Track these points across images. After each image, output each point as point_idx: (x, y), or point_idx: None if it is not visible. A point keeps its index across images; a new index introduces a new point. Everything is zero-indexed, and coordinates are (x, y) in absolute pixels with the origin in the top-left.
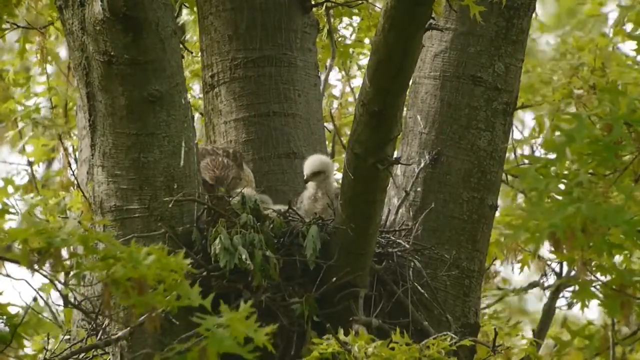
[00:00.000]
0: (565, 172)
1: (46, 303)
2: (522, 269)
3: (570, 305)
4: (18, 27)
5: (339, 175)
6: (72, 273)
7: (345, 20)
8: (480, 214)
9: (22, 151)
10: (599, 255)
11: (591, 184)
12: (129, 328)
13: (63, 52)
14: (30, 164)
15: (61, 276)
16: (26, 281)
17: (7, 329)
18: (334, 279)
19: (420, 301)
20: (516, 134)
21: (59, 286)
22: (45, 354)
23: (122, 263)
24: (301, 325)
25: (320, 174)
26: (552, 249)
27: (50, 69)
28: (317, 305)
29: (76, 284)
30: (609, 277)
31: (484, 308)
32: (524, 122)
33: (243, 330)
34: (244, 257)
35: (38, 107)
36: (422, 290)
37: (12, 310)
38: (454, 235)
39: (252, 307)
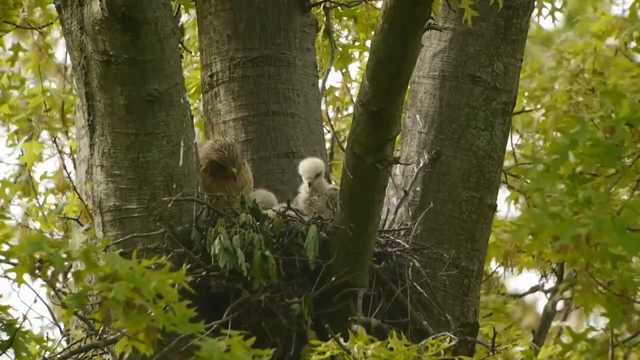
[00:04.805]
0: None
1: (45, 304)
2: (520, 271)
3: (567, 314)
4: (17, 27)
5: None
6: (74, 290)
7: (344, 20)
8: (480, 213)
9: (20, 156)
10: (603, 263)
11: (597, 186)
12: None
13: (59, 53)
14: (27, 165)
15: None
16: (25, 282)
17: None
18: (333, 278)
19: (420, 301)
20: (516, 138)
21: (58, 288)
22: (44, 353)
23: (122, 284)
24: (300, 325)
25: (319, 175)
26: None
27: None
28: (315, 306)
29: (77, 305)
30: (610, 281)
31: (486, 316)
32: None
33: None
34: (239, 261)
35: (33, 110)
36: (421, 290)
37: (11, 315)
38: (453, 235)
39: (251, 307)
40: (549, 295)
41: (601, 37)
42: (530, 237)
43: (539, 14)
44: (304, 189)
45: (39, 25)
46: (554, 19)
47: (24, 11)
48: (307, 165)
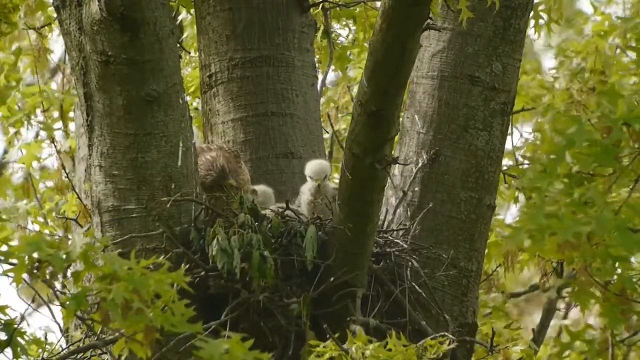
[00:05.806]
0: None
1: (44, 302)
2: (521, 270)
3: (567, 313)
4: (11, 25)
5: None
6: (72, 291)
7: (343, 20)
8: (478, 213)
9: (20, 159)
10: (603, 263)
11: (595, 186)
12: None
13: (57, 53)
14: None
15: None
16: (25, 280)
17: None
18: (332, 278)
19: (418, 301)
20: (516, 139)
21: (57, 288)
22: (43, 353)
23: (121, 285)
24: (299, 325)
25: (326, 177)
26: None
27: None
28: (313, 306)
29: (77, 306)
30: (608, 280)
31: (487, 315)
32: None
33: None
34: (234, 263)
35: (32, 111)
36: (420, 290)
37: (10, 315)
38: (451, 235)
39: (250, 308)
40: (549, 294)
41: (603, 36)
42: (529, 239)
43: (536, 24)
44: (307, 191)
45: (36, 27)
46: (549, 30)
47: (23, 16)
48: (316, 167)
